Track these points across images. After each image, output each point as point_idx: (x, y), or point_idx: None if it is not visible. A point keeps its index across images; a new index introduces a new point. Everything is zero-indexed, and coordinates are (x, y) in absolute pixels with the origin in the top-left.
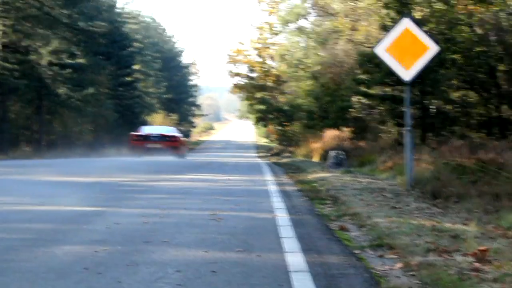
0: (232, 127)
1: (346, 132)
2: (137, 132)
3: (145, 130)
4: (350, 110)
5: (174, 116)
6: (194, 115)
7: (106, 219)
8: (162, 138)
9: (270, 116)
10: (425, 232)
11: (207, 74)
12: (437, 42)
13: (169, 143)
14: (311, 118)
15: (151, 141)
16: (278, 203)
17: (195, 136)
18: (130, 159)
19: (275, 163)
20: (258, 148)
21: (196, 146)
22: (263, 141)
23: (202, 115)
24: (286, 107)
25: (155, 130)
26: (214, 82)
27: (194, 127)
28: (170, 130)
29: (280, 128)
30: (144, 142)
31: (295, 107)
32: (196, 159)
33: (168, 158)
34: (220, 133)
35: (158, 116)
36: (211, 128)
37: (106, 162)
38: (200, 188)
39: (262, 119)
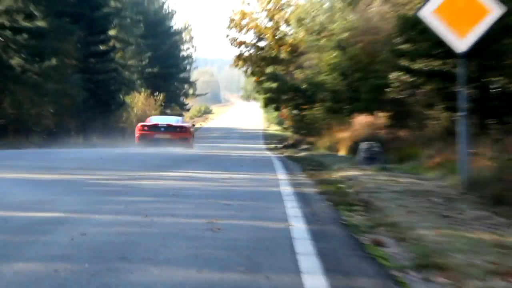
0: (234, 110)
1: (381, 118)
2: (145, 122)
3: (153, 120)
4: (387, 90)
5: (160, 96)
6: (186, 95)
7: (70, 228)
8: (171, 128)
9: (284, 97)
10: (485, 249)
11: (204, 43)
12: (502, 2)
13: (178, 134)
14: (336, 100)
15: (160, 132)
16: (293, 209)
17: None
18: (107, 150)
19: (289, 158)
20: (268, 138)
21: None
22: (274, 129)
23: (197, 95)
24: (304, 86)
25: (163, 121)
26: (213, 54)
27: (186, 110)
28: (178, 120)
29: (296, 112)
30: (153, 133)
31: (316, 86)
32: (189, 152)
33: (164, 150)
34: (219, 118)
35: (138, 96)
36: (209, 112)
37: (74, 154)
38: (193, 188)
39: (273, 100)
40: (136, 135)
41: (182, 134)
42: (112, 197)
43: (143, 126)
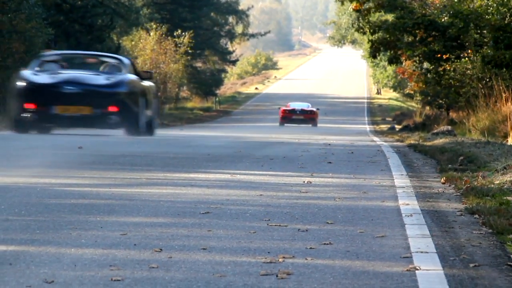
0: (317, 63)
1: None
2: (286, 107)
3: (291, 105)
4: None
5: (185, 37)
6: (232, 37)
7: (26, 272)
8: (304, 112)
9: (407, 38)
10: None
11: None
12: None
13: (309, 116)
14: (504, 45)
15: (296, 114)
16: (420, 240)
17: (233, 85)
18: (92, 131)
19: (415, 148)
20: (377, 112)
21: (234, 107)
22: (388, 97)
23: (251, 35)
24: (444, 19)
25: (298, 106)
26: None
27: (230, 62)
28: (308, 106)
29: (429, 67)
30: (291, 115)
31: (467, 19)
32: (231, 136)
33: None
34: (291, 76)
35: (146, 38)
36: (272, 66)
37: (31, 139)
38: (242, 202)
39: (387, 45)
40: (280, 115)
41: (311, 115)
42: (100, 216)
43: (284, 110)
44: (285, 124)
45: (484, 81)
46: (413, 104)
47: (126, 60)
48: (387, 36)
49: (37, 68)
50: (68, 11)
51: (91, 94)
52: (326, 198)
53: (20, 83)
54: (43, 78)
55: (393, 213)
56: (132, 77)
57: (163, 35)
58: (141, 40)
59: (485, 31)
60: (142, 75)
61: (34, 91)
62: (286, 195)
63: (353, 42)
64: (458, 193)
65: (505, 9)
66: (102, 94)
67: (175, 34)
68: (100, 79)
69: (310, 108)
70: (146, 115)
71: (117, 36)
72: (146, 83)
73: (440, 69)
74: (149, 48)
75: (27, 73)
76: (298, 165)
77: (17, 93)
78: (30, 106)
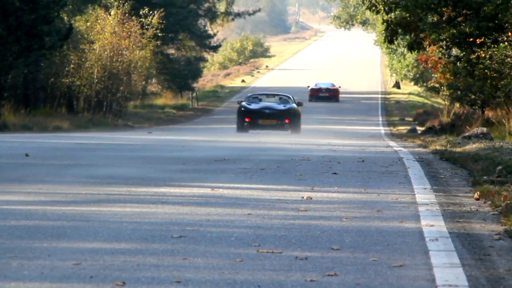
0: (318, 49)
1: None
2: (314, 87)
3: (318, 85)
4: None
5: (153, 18)
6: (213, 16)
7: None
8: (329, 90)
9: (431, 18)
10: None
11: None
12: None
13: (333, 93)
14: None
15: (323, 92)
16: (448, 271)
17: (214, 77)
18: (38, 136)
19: (441, 155)
20: (393, 110)
21: (215, 105)
22: (408, 91)
23: (236, 15)
24: None
25: (324, 85)
26: None
27: (210, 48)
28: (331, 84)
29: (459, 54)
30: (318, 93)
31: None
32: (212, 141)
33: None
34: (285, 66)
35: (105, 18)
36: (263, 53)
37: None
38: (225, 223)
39: (407, 27)
40: (309, 94)
41: (335, 93)
42: (47, 242)
43: (312, 89)
44: (313, 101)
45: None
46: (439, 100)
47: (291, 96)
48: (406, 15)
49: (248, 101)
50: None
51: (277, 113)
52: (331, 218)
53: (243, 108)
54: (253, 106)
55: (414, 237)
56: (294, 105)
57: (126, 15)
58: (99, 21)
59: None
60: (297, 104)
61: (249, 112)
62: (280, 214)
63: (364, 23)
64: (496, 212)
65: None
66: (282, 113)
67: (141, 13)
68: (280, 106)
69: (334, 87)
70: (300, 123)
71: (68, 16)
72: (299, 107)
73: (473, 56)
74: (108, 31)
75: (245, 103)
76: (295, 176)
77: (241, 112)
78: (247, 119)
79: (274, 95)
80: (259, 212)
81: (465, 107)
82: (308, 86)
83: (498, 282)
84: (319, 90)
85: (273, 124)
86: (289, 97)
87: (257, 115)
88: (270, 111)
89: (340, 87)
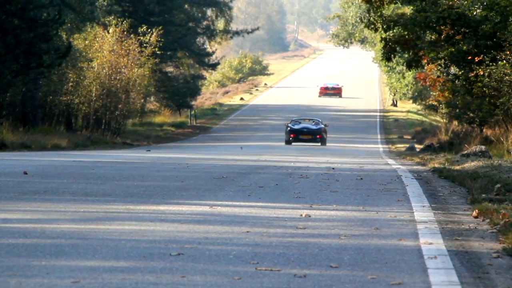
0: (317, 67)
1: None
2: (324, 85)
3: (327, 84)
4: None
5: (152, 35)
6: (211, 35)
7: None
8: (333, 88)
9: (430, 36)
10: None
11: None
12: None
13: (337, 91)
14: None
15: (330, 90)
16: None
17: (212, 95)
18: (38, 154)
19: (440, 173)
20: (392, 129)
21: (213, 123)
22: (406, 109)
23: (235, 33)
24: (476, 12)
25: (330, 84)
26: None
27: (208, 66)
28: (337, 84)
29: (457, 72)
30: (326, 91)
31: (503, 12)
32: (211, 159)
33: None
34: (285, 84)
35: (103, 36)
36: (262, 71)
37: None
38: (223, 241)
39: (405, 45)
40: (319, 91)
41: (338, 91)
42: (46, 260)
43: (322, 87)
44: (322, 97)
45: None
46: (437, 118)
47: (320, 120)
48: (405, 33)
49: (292, 123)
50: (4, 2)
51: (312, 131)
52: (329, 236)
53: (289, 128)
54: (295, 126)
55: (413, 255)
56: (323, 125)
57: (125, 33)
58: (97, 39)
59: None
60: (325, 125)
61: (293, 130)
62: (279, 232)
63: (362, 41)
64: (494, 230)
65: None
66: (315, 131)
67: (139, 31)
68: (314, 126)
69: (338, 86)
70: (326, 138)
71: (67, 34)
72: (326, 127)
73: (471, 74)
74: (107, 49)
75: (290, 124)
76: (294, 194)
77: (288, 131)
78: (292, 135)
79: (309, 119)
80: (257, 229)
81: (464, 125)
82: (318, 85)
83: None
84: (326, 88)
85: (309, 139)
86: (319, 121)
87: (298, 132)
88: (307, 130)
89: (343, 86)
